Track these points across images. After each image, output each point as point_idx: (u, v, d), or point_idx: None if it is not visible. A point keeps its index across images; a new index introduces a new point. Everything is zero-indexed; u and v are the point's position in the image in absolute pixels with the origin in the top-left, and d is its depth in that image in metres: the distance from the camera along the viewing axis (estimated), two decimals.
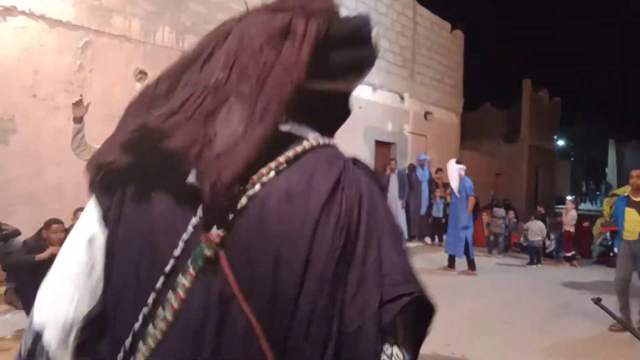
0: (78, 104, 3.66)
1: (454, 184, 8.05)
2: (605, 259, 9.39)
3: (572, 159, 33.48)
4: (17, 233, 4.74)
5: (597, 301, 3.83)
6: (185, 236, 0.65)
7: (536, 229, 10.11)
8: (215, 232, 0.63)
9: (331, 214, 0.63)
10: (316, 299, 0.61)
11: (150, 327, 0.64)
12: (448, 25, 13.48)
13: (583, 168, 38.85)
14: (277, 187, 0.65)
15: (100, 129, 2.70)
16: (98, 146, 3.42)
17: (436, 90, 12.90)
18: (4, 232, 4.67)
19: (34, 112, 5.29)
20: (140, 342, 0.65)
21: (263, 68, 0.70)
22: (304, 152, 0.69)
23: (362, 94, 9.76)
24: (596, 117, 39.36)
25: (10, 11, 5.18)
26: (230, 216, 0.64)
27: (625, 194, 5.44)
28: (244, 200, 0.64)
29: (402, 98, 11.35)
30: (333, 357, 0.61)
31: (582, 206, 28.25)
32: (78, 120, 3.65)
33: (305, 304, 0.62)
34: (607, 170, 35.04)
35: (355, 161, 0.71)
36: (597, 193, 33.88)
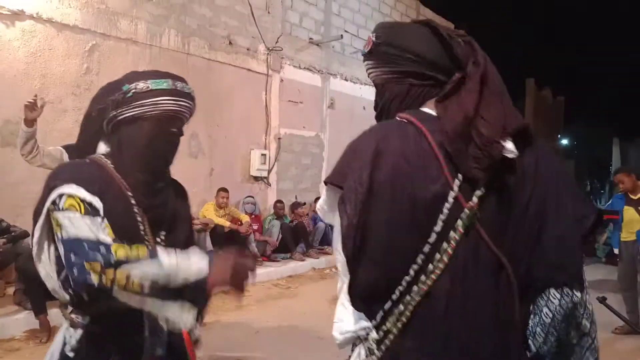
0: (32, 106, 3.11)
1: None
2: (613, 259, 9.38)
3: (576, 158, 33.32)
4: (25, 235, 4.79)
5: (602, 300, 3.84)
6: (447, 205, 0.90)
7: None
8: (474, 201, 0.91)
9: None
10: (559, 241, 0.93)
11: (430, 266, 0.91)
12: (451, 26, 13.49)
13: (587, 167, 38.62)
14: (519, 165, 0.93)
15: None
16: (52, 147, 3.06)
17: None
18: (12, 234, 4.73)
19: (42, 114, 5.33)
20: (423, 276, 0.91)
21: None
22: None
23: (365, 94, 9.80)
24: (600, 116, 39.20)
25: (18, 15, 5.24)
26: (484, 185, 0.91)
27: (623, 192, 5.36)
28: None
29: None
30: None
31: None
32: (30, 123, 3.14)
33: (532, 247, 0.93)
34: (611, 168, 34.90)
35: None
36: (602, 192, 33.76)
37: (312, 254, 7.80)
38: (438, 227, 0.90)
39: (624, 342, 4.75)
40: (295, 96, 8.72)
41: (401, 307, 0.92)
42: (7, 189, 5.13)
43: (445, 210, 0.90)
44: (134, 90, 1.30)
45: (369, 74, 1.11)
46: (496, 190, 0.91)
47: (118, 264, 1.11)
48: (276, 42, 8.26)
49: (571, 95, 24.98)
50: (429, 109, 1.00)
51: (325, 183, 0.99)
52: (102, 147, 1.38)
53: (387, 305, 0.93)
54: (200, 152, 7.17)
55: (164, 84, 1.33)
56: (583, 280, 0.94)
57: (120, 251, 1.13)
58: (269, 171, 8.29)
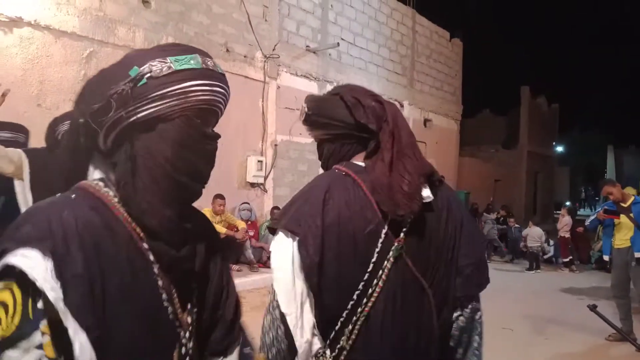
0: None
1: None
2: (603, 265, 9.43)
3: (571, 165, 33.51)
4: None
5: (593, 308, 3.87)
6: (380, 240, 1.11)
7: (535, 235, 10.17)
8: (401, 237, 1.12)
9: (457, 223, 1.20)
10: (455, 268, 1.18)
11: (370, 290, 1.10)
12: (447, 34, 13.61)
13: (582, 174, 38.87)
14: (434, 205, 1.16)
15: None
16: (10, 149, 2.63)
17: (435, 97, 13.01)
18: None
19: (39, 121, 5.30)
20: (364, 299, 1.10)
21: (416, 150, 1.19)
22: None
23: None
24: (594, 124, 39.52)
25: (16, 22, 5.27)
26: (409, 224, 1.12)
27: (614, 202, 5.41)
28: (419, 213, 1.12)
29: (401, 106, 11.44)
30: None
31: (582, 211, 28.29)
32: None
33: (449, 272, 1.17)
34: (605, 176, 35.14)
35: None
36: (597, 199, 33.93)
37: None
38: (374, 258, 1.11)
39: (617, 349, 4.78)
40: (291, 103, 8.76)
41: (350, 327, 1.11)
42: None
43: (379, 244, 1.11)
44: (148, 75, 0.83)
45: (309, 134, 1.33)
46: (418, 227, 1.14)
47: None
48: (273, 50, 8.32)
49: (566, 103, 25.19)
50: (359, 162, 1.21)
51: (285, 229, 1.12)
52: (96, 172, 0.90)
53: (337, 327, 1.12)
54: None
55: (192, 62, 0.86)
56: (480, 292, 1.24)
57: None
58: (266, 177, 8.31)
